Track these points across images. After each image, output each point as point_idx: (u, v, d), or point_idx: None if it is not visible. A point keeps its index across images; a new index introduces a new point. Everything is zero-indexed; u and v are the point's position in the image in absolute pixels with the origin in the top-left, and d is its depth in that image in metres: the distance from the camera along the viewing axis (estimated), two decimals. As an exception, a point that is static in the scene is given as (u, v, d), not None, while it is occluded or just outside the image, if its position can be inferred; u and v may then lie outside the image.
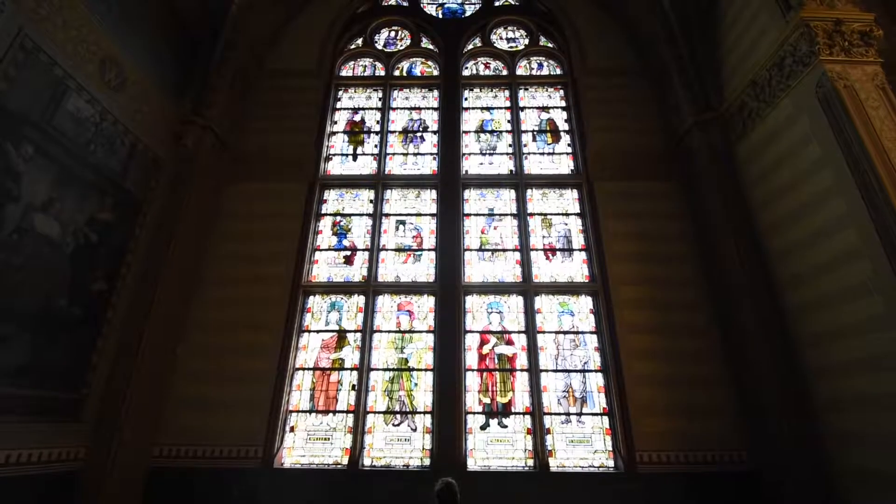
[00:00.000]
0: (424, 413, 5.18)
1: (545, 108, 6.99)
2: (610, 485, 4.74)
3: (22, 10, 3.83)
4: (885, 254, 3.61)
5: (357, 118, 7.01)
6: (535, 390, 5.18)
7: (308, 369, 5.46)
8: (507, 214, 6.25)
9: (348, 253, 6.08)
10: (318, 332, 5.65)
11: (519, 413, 5.16)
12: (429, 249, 6.04)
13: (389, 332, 5.62)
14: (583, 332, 5.52)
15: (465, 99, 7.07)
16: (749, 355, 4.83)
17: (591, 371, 5.32)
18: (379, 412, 5.22)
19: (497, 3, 7.80)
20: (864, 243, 3.80)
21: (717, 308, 5.34)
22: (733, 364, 5.07)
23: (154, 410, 4.96)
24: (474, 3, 7.89)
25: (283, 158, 6.37)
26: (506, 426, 5.13)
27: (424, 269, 5.93)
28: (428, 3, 7.91)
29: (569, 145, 6.69)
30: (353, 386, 5.30)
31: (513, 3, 7.81)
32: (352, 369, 5.40)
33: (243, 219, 6.01)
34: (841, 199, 4.03)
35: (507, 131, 6.83)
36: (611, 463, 4.92)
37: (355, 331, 5.61)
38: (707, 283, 5.49)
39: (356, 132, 6.91)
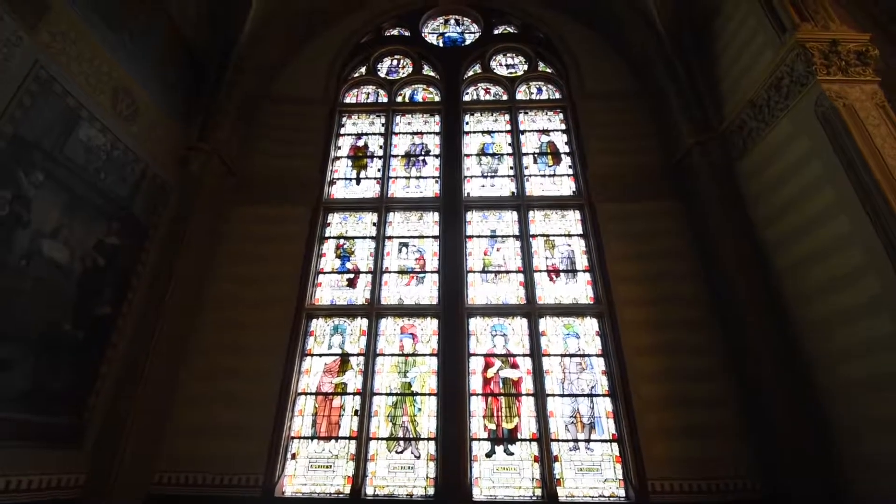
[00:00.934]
0: (428, 439, 5.05)
1: (545, 131, 7.07)
2: (621, 515, 4.56)
3: (37, 43, 3.98)
4: (892, 269, 3.54)
5: (360, 143, 7.13)
6: (542, 416, 5.03)
7: (310, 394, 5.37)
8: (509, 236, 6.24)
9: (351, 276, 6.07)
10: (320, 355, 5.59)
11: (525, 440, 5.01)
12: (432, 271, 6.02)
13: (392, 355, 5.54)
14: (589, 355, 5.40)
15: (466, 123, 7.17)
16: (758, 375, 4.69)
17: (598, 395, 5.19)
18: (382, 438, 5.10)
19: (496, 32, 8.01)
20: (870, 259, 3.74)
21: (724, 327, 5.22)
22: (744, 386, 4.92)
23: (155, 436, 4.88)
24: (474, 32, 8.11)
25: (288, 183, 6.46)
26: (512, 453, 4.97)
27: (427, 292, 5.90)
28: (429, 33, 8.15)
29: (570, 167, 6.73)
30: (356, 411, 5.19)
31: (511, 31, 8.02)
32: (354, 394, 5.30)
33: (247, 242, 6.05)
34: (844, 216, 3.99)
35: (507, 154, 6.89)
36: (622, 492, 4.72)
37: (358, 354, 5.54)
38: (712, 301, 5.39)
39: (359, 157, 7.02)
